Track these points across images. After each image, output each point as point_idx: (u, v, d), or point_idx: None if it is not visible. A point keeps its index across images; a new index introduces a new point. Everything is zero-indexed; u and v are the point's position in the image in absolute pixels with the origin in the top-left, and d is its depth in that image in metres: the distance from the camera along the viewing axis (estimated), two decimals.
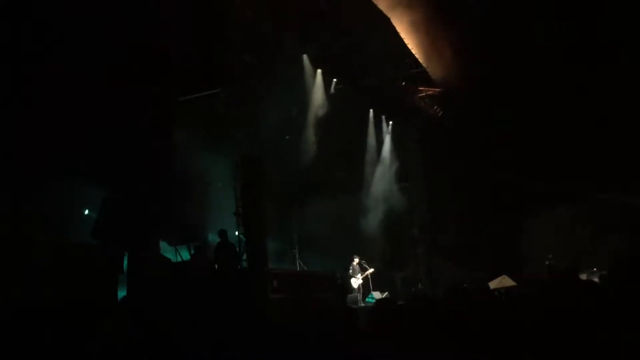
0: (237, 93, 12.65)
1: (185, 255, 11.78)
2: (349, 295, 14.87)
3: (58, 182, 8.70)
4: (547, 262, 17.24)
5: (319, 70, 16.02)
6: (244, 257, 12.19)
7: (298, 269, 16.11)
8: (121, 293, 8.35)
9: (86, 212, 11.52)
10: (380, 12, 14.25)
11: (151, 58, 10.97)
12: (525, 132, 18.11)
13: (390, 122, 19.83)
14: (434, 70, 17.04)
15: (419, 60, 16.50)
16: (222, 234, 11.43)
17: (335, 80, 16.63)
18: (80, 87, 9.77)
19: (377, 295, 15.29)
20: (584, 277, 13.81)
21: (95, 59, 9.98)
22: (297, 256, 16.67)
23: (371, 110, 18.98)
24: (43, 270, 6.45)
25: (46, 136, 9.01)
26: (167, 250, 11.87)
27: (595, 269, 16.51)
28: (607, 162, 17.23)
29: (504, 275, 15.98)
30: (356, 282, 15.45)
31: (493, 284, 15.77)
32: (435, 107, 18.50)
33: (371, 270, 15.51)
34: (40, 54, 9.11)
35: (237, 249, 11.99)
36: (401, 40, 15.45)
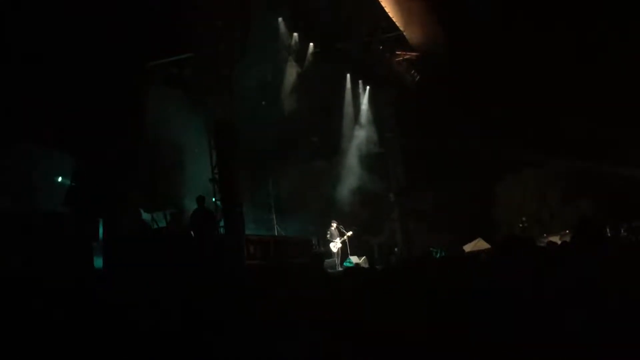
0: (209, 58, 12.42)
1: (161, 222, 11.71)
2: (327, 260, 15.00)
3: (26, 149, 8.55)
4: (520, 225, 17.58)
5: (295, 34, 15.76)
6: (221, 223, 12.19)
7: (276, 234, 16.18)
8: (97, 261, 8.31)
9: (59, 179, 11.35)
10: None
11: (120, 21, 10.67)
12: (496, 100, 18.29)
13: (368, 87, 19.72)
14: (412, 34, 16.93)
15: (397, 24, 16.35)
16: (200, 200, 11.37)
17: (311, 44, 16.37)
18: (49, 51, 9.51)
19: (354, 259, 15.45)
20: (556, 239, 14.12)
21: (64, 21, 9.69)
22: (274, 222, 16.72)
23: (348, 75, 18.82)
24: (9, 240, 6.36)
25: (13, 101, 8.79)
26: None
27: (567, 231, 16.86)
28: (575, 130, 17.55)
29: (478, 239, 16.27)
30: (335, 246, 15.58)
31: (468, 247, 16.06)
32: (412, 71, 18.42)
33: (349, 233, 15.63)
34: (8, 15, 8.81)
35: (214, 216, 11.96)
36: (378, 3, 15.26)
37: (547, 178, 20.08)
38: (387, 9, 15.59)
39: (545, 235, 16.44)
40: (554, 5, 15.07)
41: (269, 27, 14.38)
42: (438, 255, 15.30)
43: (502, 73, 17.30)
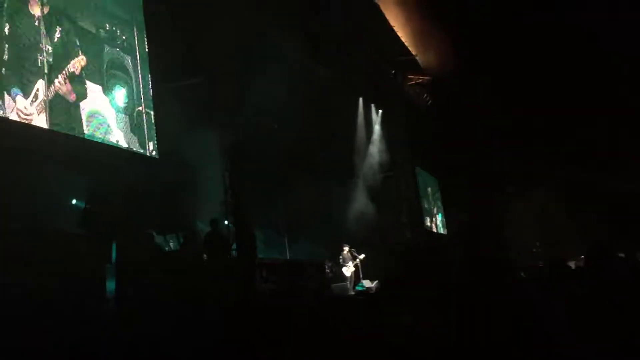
0: (222, 81, 12.57)
1: (174, 245, 11.72)
2: (340, 284, 14.90)
3: (43, 171, 8.65)
4: (533, 250, 17.41)
5: (308, 58, 15.86)
6: (234, 246, 12.18)
7: (288, 257, 16.11)
8: (110, 283, 8.31)
9: (74, 202, 11.43)
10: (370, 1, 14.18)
11: None
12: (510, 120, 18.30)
13: (380, 111, 19.80)
14: (424, 58, 17.02)
15: (409, 48, 16.45)
16: (213, 223, 11.39)
17: (323, 67, 16.49)
18: None
19: (367, 283, 15.33)
20: (572, 264, 13.95)
21: None
22: (286, 245, 16.67)
23: (360, 99, 18.92)
24: (25, 260, 6.39)
25: None
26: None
27: (582, 256, 16.67)
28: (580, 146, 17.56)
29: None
30: (347, 270, 15.48)
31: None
32: (425, 95, 18.48)
33: (361, 257, 15.53)
34: None
35: (227, 239, 11.96)
36: (391, 27, 15.38)
37: (560, 201, 19.94)
38: (399, 33, 15.71)
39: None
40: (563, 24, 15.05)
41: (282, 50, 14.51)
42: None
43: (515, 96, 17.32)
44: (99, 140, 9.59)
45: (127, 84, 10.57)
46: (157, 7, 11.53)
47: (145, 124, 10.85)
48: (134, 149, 10.47)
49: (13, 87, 7.95)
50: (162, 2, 11.52)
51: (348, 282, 15.30)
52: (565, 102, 17.22)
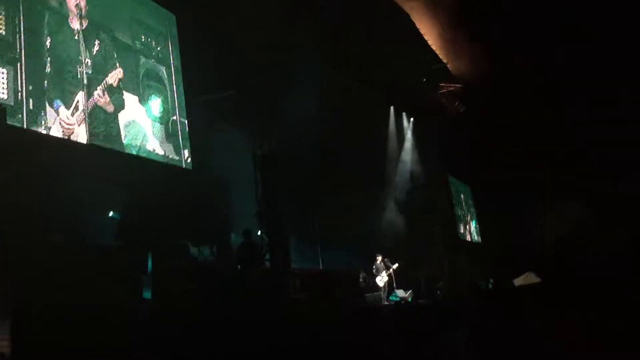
0: (253, 93, 12.71)
1: (208, 256, 11.83)
2: (374, 294, 14.83)
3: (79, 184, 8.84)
4: (569, 256, 17.05)
5: (339, 68, 15.88)
6: (267, 257, 12.23)
7: (321, 267, 16.11)
8: (146, 293, 8.43)
9: (110, 214, 11.67)
10: (399, 8, 14.13)
11: None
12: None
13: (412, 119, 19.72)
14: (455, 66, 16.89)
15: (440, 56, 16.35)
16: (247, 234, 11.47)
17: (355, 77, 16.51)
18: None
19: (400, 293, 15.24)
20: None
21: None
22: (319, 255, 16.67)
23: (392, 108, 18.88)
24: (62, 273, 6.53)
25: None
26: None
27: None
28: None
29: (529, 272, 15.79)
30: (381, 280, 15.40)
31: (518, 281, 15.59)
32: (457, 103, 18.32)
33: (395, 266, 15.43)
34: None
35: (260, 249, 12.03)
36: (421, 36, 15.31)
37: (596, 207, 19.50)
38: (430, 42, 15.62)
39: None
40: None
41: (312, 61, 14.59)
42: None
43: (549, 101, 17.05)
44: (136, 149, 9.79)
45: (162, 93, 10.81)
46: (189, 22, 11.74)
47: (180, 133, 11.06)
48: (170, 156, 10.67)
49: (55, 99, 8.20)
50: (195, 16, 11.71)
51: (382, 292, 15.22)
52: (603, 111, 16.83)
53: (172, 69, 11.19)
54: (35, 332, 5.42)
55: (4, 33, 7.59)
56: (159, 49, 10.99)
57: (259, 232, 12.66)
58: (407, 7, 14.25)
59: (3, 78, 7.41)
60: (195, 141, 11.50)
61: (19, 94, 7.59)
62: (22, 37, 7.83)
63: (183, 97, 11.34)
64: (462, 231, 21.05)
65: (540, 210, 20.77)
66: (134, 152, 9.78)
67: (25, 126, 7.66)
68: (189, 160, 11.22)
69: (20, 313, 5.21)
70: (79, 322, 5.94)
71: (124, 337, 6.05)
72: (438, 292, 16.40)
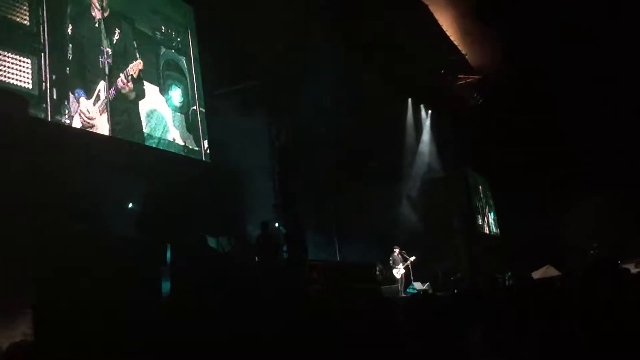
0: (272, 85, 12.72)
1: (226, 247, 11.90)
2: (391, 286, 14.83)
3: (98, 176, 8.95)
4: (591, 252, 16.84)
5: (356, 59, 15.79)
6: (285, 248, 12.28)
7: (338, 259, 16.13)
8: (165, 285, 8.53)
9: (130, 205, 11.79)
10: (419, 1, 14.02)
11: None
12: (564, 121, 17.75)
13: (429, 111, 19.59)
14: (474, 57, 16.73)
15: (459, 47, 16.20)
16: (264, 225, 11.53)
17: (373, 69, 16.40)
18: None
19: (418, 286, 15.21)
20: (631, 266, 13.42)
21: None
22: (336, 247, 16.69)
23: (409, 100, 18.76)
24: (85, 263, 6.62)
25: None
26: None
27: None
28: None
29: (548, 265, 15.67)
30: (398, 272, 15.38)
31: (537, 274, 15.49)
32: (475, 94, 18.16)
33: (412, 259, 15.39)
34: None
35: (278, 241, 12.08)
36: (440, 26, 15.18)
37: (621, 201, 19.24)
38: (448, 32, 15.49)
39: (619, 262, 15.69)
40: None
41: (329, 53, 14.55)
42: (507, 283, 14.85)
43: (569, 93, 16.78)
44: (157, 139, 9.88)
45: (182, 84, 10.90)
46: (209, 13, 11.77)
47: (200, 123, 11.16)
48: (190, 147, 10.75)
49: (77, 88, 8.29)
50: (213, 7, 11.72)
51: (399, 284, 15.20)
52: (628, 100, 16.54)
53: (192, 59, 11.27)
54: (57, 321, 5.51)
55: (28, 24, 7.68)
56: (179, 39, 11.07)
57: (277, 224, 12.71)
58: None
59: (27, 68, 7.50)
60: (214, 132, 11.57)
61: (43, 84, 7.69)
62: (46, 28, 7.91)
63: (202, 87, 11.43)
64: (480, 223, 20.93)
65: (561, 203, 20.58)
66: (155, 142, 9.87)
67: (49, 115, 7.75)
68: (209, 151, 11.30)
69: (42, 303, 5.30)
70: (99, 312, 6.03)
71: (142, 327, 6.13)
72: (454, 284, 16.33)
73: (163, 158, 10.04)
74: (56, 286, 5.93)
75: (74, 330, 5.49)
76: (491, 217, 22.57)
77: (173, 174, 10.03)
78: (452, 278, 16.98)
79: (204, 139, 11.15)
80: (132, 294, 7.04)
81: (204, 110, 11.32)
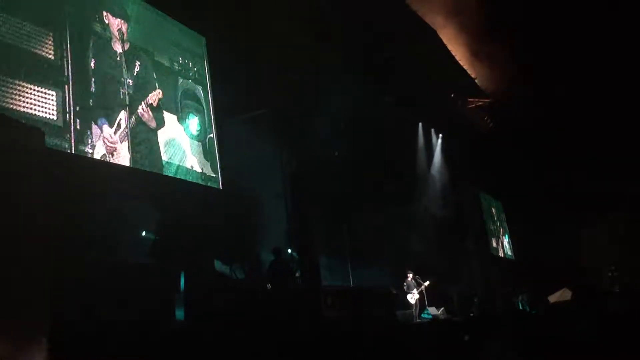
0: (283, 110, 12.83)
1: (240, 274, 11.88)
2: (406, 311, 14.67)
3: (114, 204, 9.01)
4: (609, 274, 16.65)
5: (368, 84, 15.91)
6: (297, 274, 12.24)
7: (351, 284, 16.01)
8: (178, 312, 8.52)
9: (143, 233, 11.84)
10: (426, 24, 14.16)
11: None
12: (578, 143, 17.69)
13: (440, 135, 19.63)
14: (484, 80, 16.81)
15: (468, 71, 16.29)
16: (277, 251, 11.51)
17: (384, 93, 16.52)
18: None
19: (432, 311, 15.02)
20: None
21: None
22: (349, 271, 16.59)
23: (420, 124, 18.84)
24: (99, 290, 6.64)
25: None
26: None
27: None
28: None
29: (564, 288, 15.48)
30: (412, 297, 15.23)
31: (553, 298, 15.30)
32: (485, 118, 18.20)
33: (426, 283, 15.25)
34: None
35: (291, 267, 12.04)
36: (449, 51, 15.30)
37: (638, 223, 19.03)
38: (457, 57, 15.60)
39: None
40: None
41: (342, 78, 14.66)
42: (522, 306, 14.68)
43: (583, 115, 16.75)
44: (175, 166, 10.04)
45: (199, 112, 11.08)
46: (221, 41, 11.96)
47: (216, 150, 11.31)
48: (207, 173, 10.89)
49: (100, 117, 8.50)
50: (226, 36, 11.90)
51: (413, 309, 15.04)
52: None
53: (209, 88, 11.48)
54: (70, 347, 5.51)
55: (52, 58, 7.91)
56: (195, 69, 11.29)
57: (289, 250, 12.69)
58: (434, 23, 14.29)
59: (52, 100, 7.70)
60: (227, 159, 11.67)
61: (67, 115, 7.89)
62: (70, 61, 8.14)
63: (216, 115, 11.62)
64: (495, 246, 20.77)
65: (577, 225, 20.40)
66: (174, 169, 10.02)
67: (72, 145, 7.91)
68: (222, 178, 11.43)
69: (56, 328, 5.31)
70: (112, 339, 6.03)
71: (156, 354, 6.12)
72: (473, 309, 16.13)
73: (178, 186, 10.13)
74: (71, 313, 5.94)
75: (86, 357, 5.49)
76: (505, 240, 22.39)
77: (187, 201, 10.10)
78: (471, 301, 16.79)
79: (220, 166, 11.31)
80: (146, 321, 7.05)
81: (219, 137, 11.51)
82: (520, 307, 15.74)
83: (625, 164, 17.90)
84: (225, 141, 11.79)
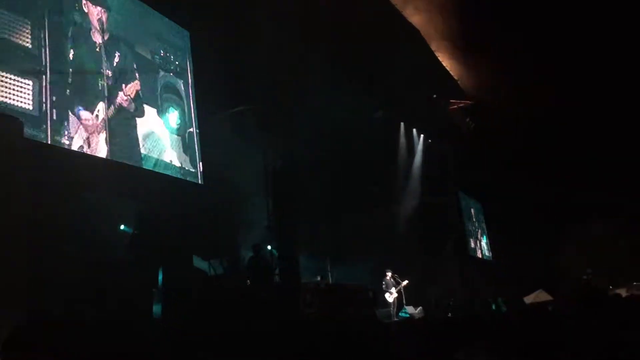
0: (266, 108, 12.78)
1: (218, 270, 11.82)
2: (383, 310, 14.74)
3: (92, 198, 8.89)
4: (584, 277, 16.88)
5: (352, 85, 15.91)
6: (277, 271, 12.23)
7: (330, 282, 16.03)
8: (156, 308, 8.45)
9: (122, 227, 11.70)
10: (410, 25, 14.21)
11: None
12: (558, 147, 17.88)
13: (422, 136, 19.72)
14: (466, 82, 16.92)
15: (451, 72, 16.39)
16: (257, 248, 11.48)
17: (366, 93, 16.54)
18: None
19: (410, 310, 15.12)
20: (623, 291, 13.44)
21: None
22: (329, 270, 16.61)
23: (402, 124, 18.90)
24: (76, 286, 6.56)
25: None
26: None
27: (635, 283, 16.11)
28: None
29: (540, 290, 15.69)
30: (390, 296, 15.31)
31: (529, 299, 15.48)
32: (468, 119, 18.32)
33: (405, 283, 15.35)
34: None
35: (270, 264, 12.03)
36: (432, 52, 15.37)
37: (616, 227, 19.33)
38: (440, 58, 15.68)
39: (610, 287, 15.73)
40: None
41: (325, 77, 14.65)
42: (498, 308, 14.80)
43: (563, 119, 16.94)
44: (154, 159, 9.91)
45: (180, 106, 10.97)
46: (206, 36, 11.86)
47: (196, 145, 11.19)
48: (186, 168, 10.79)
49: (77, 107, 8.35)
50: (210, 31, 11.81)
51: (391, 308, 15.13)
52: (623, 127, 16.67)
53: (189, 82, 11.36)
54: (44, 342, 5.43)
55: (30, 47, 7.74)
56: (177, 62, 11.16)
57: (269, 247, 12.66)
58: (417, 24, 14.34)
59: (28, 89, 7.54)
60: (208, 154, 11.59)
61: (44, 105, 7.72)
62: (47, 50, 7.97)
63: (197, 110, 11.51)
64: (472, 246, 20.94)
65: (554, 228, 20.65)
66: (152, 163, 9.89)
67: (49, 136, 7.76)
68: (202, 173, 11.33)
69: (30, 323, 5.23)
70: (88, 334, 5.95)
71: (133, 351, 6.06)
72: (448, 309, 16.27)
73: (158, 180, 10.01)
74: (46, 306, 5.86)
75: (60, 352, 5.41)
76: (484, 240, 22.60)
77: (167, 196, 10.00)
78: (448, 302, 16.92)
79: (200, 161, 11.19)
80: (123, 316, 6.98)
81: (199, 132, 11.38)
82: (494, 308, 15.87)
83: (602, 173, 18.16)
84: (209, 136, 11.71)
